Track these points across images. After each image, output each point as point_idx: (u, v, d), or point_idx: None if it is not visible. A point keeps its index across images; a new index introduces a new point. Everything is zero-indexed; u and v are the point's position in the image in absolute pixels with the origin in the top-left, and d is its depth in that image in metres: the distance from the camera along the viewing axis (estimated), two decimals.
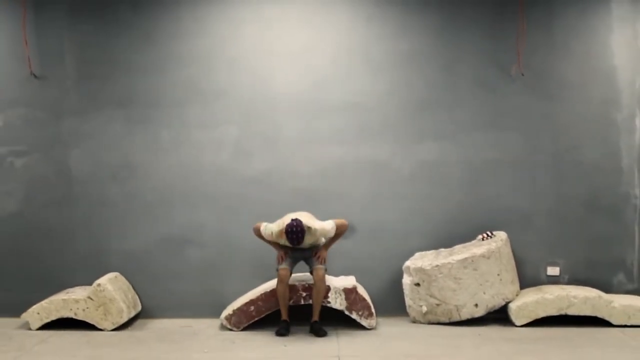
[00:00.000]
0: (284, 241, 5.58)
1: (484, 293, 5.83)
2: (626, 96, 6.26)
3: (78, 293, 5.90)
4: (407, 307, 6.02)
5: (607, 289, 6.15)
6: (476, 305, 5.84)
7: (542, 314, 5.75)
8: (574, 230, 6.28)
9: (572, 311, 5.74)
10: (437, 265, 5.83)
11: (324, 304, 5.71)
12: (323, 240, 5.72)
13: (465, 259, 5.81)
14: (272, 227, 5.62)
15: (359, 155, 6.29)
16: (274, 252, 5.84)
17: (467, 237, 6.23)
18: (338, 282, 5.84)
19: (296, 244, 5.48)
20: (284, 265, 5.67)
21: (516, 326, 5.78)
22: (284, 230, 5.48)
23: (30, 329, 5.80)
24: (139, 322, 6.13)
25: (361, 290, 5.89)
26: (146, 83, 6.26)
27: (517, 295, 5.99)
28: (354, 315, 5.78)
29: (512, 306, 5.84)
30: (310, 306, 5.72)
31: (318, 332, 5.59)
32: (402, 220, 6.28)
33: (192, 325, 5.98)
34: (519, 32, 6.21)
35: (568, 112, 6.29)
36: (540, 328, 5.69)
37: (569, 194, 6.28)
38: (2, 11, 6.27)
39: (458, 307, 5.84)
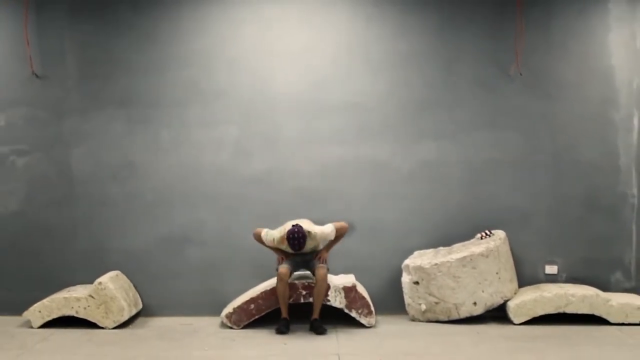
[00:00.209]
0: (285, 247, 5.67)
1: (483, 291, 5.86)
2: (624, 96, 6.29)
3: (79, 291, 5.93)
4: (406, 306, 6.05)
5: (605, 287, 6.18)
6: (475, 303, 5.87)
7: (540, 312, 5.78)
8: (572, 229, 6.31)
9: (570, 309, 5.77)
10: (436, 264, 5.86)
11: (323, 302, 5.74)
12: (321, 246, 5.82)
13: (464, 257, 5.84)
14: (274, 234, 5.71)
15: (358, 155, 6.32)
16: (274, 253, 5.90)
17: (466, 236, 6.25)
18: (338, 281, 5.87)
19: (297, 250, 5.56)
20: (284, 264, 5.73)
21: (515, 324, 5.81)
22: (285, 237, 5.57)
23: (32, 327, 5.82)
24: (139, 320, 6.15)
25: (360, 289, 5.92)
26: (147, 83, 6.29)
27: (515, 293, 6.02)
28: (353, 314, 5.81)
29: (511, 304, 5.87)
30: (309, 304, 5.76)
31: (318, 330, 5.62)
32: (402, 219, 6.31)
33: (193, 323, 6.00)
34: (517, 32, 6.24)
35: (566, 111, 6.32)
36: (538, 326, 5.71)
37: (567, 193, 6.31)
38: (3, 11, 6.30)
39: (457, 306, 5.87)
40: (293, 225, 5.56)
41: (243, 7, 6.29)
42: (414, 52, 6.31)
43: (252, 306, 5.82)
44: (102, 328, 5.79)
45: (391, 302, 6.16)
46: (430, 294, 5.91)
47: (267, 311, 5.83)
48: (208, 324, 5.97)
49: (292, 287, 5.78)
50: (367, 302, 5.84)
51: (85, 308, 5.80)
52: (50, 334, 5.65)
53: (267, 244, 5.78)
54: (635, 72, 6.29)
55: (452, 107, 6.31)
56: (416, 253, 6.22)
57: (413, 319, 6.02)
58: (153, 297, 6.29)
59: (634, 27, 6.29)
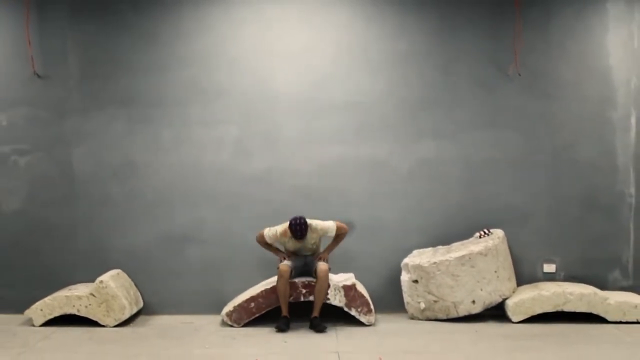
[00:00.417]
0: (287, 240, 5.74)
1: (481, 290, 5.89)
2: (621, 95, 6.32)
3: (81, 290, 5.95)
4: (406, 304, 6.08)
5: (603, 285, 6.21)
6: (473, 301, 5.90)
7: (538, 310, 5.81)
8: (570, 227, 6.34)
9: (568, 308, 5.79)
10: (435, 263, 5.89)
11: (323, 301, 5.77)
12: (321, 244, 5.86)
13: (463, 256, 5.86)
14: (276, 228, 5.81)
15: (358, 154, 6.34)
16: (275, 255, 5.95)
17: (464, 234, 6.28)
18: (337, 279, 5.90)
19: (299, 237, 5.63)
20: (285, 262, 5.77)
21: (513, 322, 5.84)
22: (287, 227, 5.65)
23: (33, 326, 5.84)
24: (140, 318, 6.18)
25: (360, 287, 5.95)
26: (147, 83, 6.31)
27: (513, 292, 6.05)
28: (353, 312, 5.84)
29: (509, 303, 5.90)
30: (309, 303, 5.79)
31: (318, 328, 5.65)
32: (401, 218, 6.34)
33: (193, 321, 6.03)
34: (516, 32, 6.26)
35: (564, 111, 6.34)
36: (536, 324, 5.74)
37: (565, 192, 6.34)
38: (5, 11, 6.33)
39: (455, 304, 5.90)
40: (295, 216, 5.67)
41: (243, 7, 6.31)
42: (413, 52, 6.34)
43: (253, 304, 5.85)
44: (103, 326, 5.82)
45: (390, 300, 6.19)
46: (429, 293, 5.94)
47: (268, 309, 5.86)
48: (208, 322, 5.99)
49: (293, 285, 5.80)
50: (366, 300, 5.87)
51: (86, 306, 5.83)
52: (51, 332, 5.68)
53: (269, 240, 5.83)
54: (633, 72, 6.32)
55: (451, 106, 6.34)
56: (415, 252, 6.25)
57: (412, 318, 6.05)
58: (154, 296, 6.32)
59: (631, 27, 6.31)
